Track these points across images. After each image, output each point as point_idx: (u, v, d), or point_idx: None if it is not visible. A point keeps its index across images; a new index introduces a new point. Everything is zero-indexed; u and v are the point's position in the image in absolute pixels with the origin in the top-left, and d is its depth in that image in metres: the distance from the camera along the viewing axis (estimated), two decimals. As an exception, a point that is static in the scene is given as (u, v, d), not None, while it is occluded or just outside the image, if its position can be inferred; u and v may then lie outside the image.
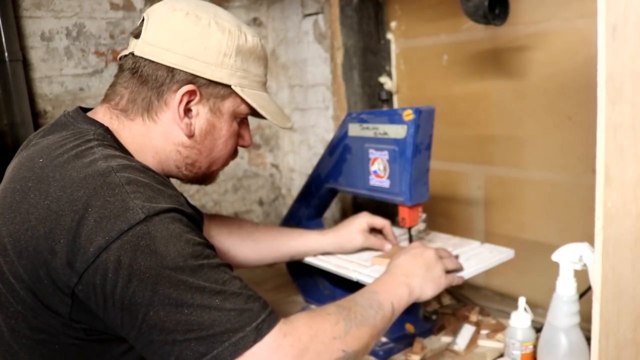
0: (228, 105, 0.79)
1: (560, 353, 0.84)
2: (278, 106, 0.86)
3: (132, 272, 0.59)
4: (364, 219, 1.10)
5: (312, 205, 1.24)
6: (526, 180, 1.20)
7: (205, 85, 0.75)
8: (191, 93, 0.75)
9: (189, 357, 0.59)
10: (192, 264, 0.61)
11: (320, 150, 1.61)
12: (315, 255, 1.11)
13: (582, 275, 0.82)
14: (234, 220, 1.11)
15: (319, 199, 1.23)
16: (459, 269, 0.98)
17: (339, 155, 1.15)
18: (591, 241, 0.65)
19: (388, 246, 1.10)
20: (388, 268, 0.90)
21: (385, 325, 0.77)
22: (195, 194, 1.60)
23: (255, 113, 0.82)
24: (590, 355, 0.64)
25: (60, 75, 1.30)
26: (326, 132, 1.61)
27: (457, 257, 1.00)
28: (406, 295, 0.83)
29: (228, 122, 0.80)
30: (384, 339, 1.04)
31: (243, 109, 0.80)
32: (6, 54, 1.16)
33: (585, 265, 0.82)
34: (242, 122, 0.85)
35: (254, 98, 0.79)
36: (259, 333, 0.61)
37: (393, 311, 0.79)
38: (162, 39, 0.73)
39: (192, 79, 0.74)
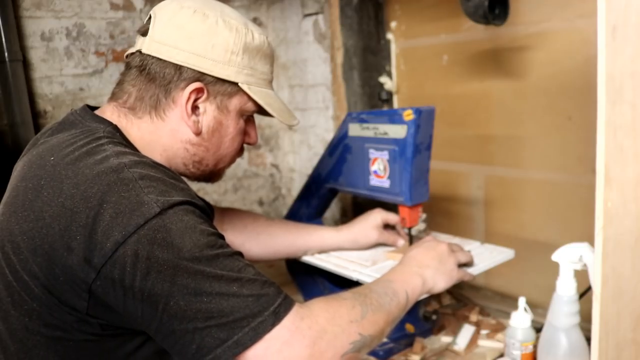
0: (235, 102, 0.79)
1: (560, 353, 0.84)
2: (284, 103, 0.86)
3: (150, 264, 0.59)
4: (379, 215, 1.10)
5: (312, 205, 1.25)
6: (526, 180, 1.20)
7: (213, 83, 0.76)
8: (199, 91, 0.75)
9: (211, 344, 0.60)
10: (208, 253, 0.62)
11: (320, 150, 1.61)
12: (330, 250, 1.12)
13: (582, 275, 0.83)
14: (248, 214, 1.12)
15: (319, 199, 1.23)
16: (471, 262, 0.98)
17: (339, 155, 1.15)
18: (591, 241, 0.65)
19: (401, 242, 1.11)
20: (402, 260, 0.91)
21: (400, 313, 0.79)
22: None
23: (261, 110, 0.82)
24: (590, 355, 0.64)
25: (60, 75, 1.30)
26: (326, 132, 1.61)
27: (469, 251, 1.01)
28: (420, 286, 0.84)
29: (235, 120, 0.80)
30: (384, 339, 1.04)
31: (250, 106, 0.81)
32: (6, 54, 1.16)
33: (585, 265, 0.82)
34: (249, 119, 0.85)
35: (261, 95, 0.80)
36: (277, 317, 0.62)
37: (407, 300, 0.80)
38: (170, 37, 0.74)
39: (200, 76, 0.75)
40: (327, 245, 1.11)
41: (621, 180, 0.62)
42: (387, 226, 1.13)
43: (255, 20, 1.67)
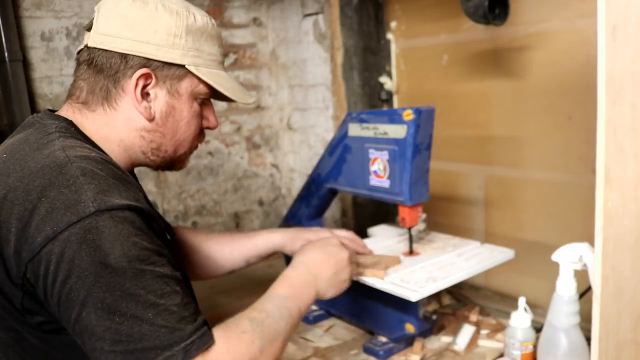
0: (185, 85, 0.79)
1: (560, 353, 0.84)
2: (238, 83, 0.86)
3: (73, 267, 0.59)
4: (320, 233, 1.06)
5: (312, 205, 1.25)
6: (526, 180, 1.20)
7: (160, 68, 0.76)
8: (146, 76, 0.75)
9: None
10: (135, 267, 0.60)
11: (320, 150, 1.61)
12: (267, 254, 1.07)
13: (582, 275, 0.83)
14: (188, 231, 1.09)
15: (319, 199, 1.23)
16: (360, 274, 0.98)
17: (339, 155, 1.15)
18: (591, 241, 0.65)
19: None
20: (298, 261, 0.87)
21: (294, 330, 0.78)
22: (195, 194, 1.60)
23: (216, 94, 0.82)
24: (590, 355, 0.64)
25: (60, 75, 1.30)
26: (326, 132, 1.61)
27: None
28: (312, 297, 0.83)
29: (188, 103, 0.80)
30: (384, 339, 1.04)
31: (201, 89, 0.80)
32: (6, 54, 1.16)
33: (585, 265, 0.82)
34: (205, 103, 0.84)
35: (210, 76, 0.79)
36: (187, 354, 0.60)
37: (300, 316, 0.79)
38: (112, 27, 0.74)
39: (146, 62, 0.75)
40: (263, 250, 1.07)
41: (621, 180, 0.62)
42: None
43: (255, 20, 1.67)
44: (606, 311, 0.63)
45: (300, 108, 1.69)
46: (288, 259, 1.21)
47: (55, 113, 0.78)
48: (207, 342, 0.63)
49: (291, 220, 1.28)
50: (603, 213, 0.60)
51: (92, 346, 0.60)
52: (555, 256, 0.85)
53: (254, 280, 1.43)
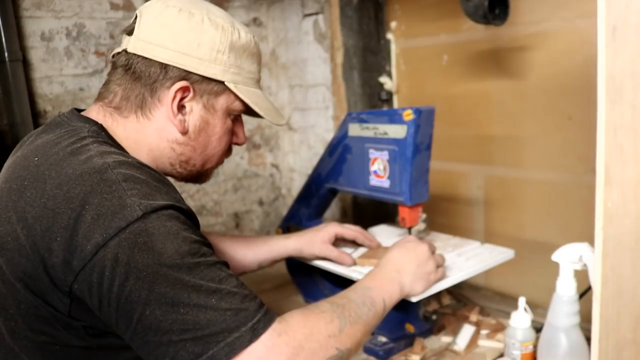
0: (222, 101, 0.78)
1: (560, 353, 0.84)
2: (271, 103, 0.86)
3: (130, 270, 0.58)
4: (332, 229, 1.07)
5: (312, 205, 1.25)
6: (526, 180, 1.20)
7: (199, 82, 0.75)
8: (185, 89, 0.74)
9: (184, 358, 0.59)
10: (189, 261, 0.61)
11: (320, 150, 1.61)
12: (281, 259, 1.09)
13: (582, 275, 0.83)
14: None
15: (319, 199, 1.23)
16: (443, 263, 0.97)
17: (339, 155, 1.15)
18: (591, 241, 0.65)
19: (348, 260, 1.05)
20: (381, 262, 0.89)
21: (377, 322, 0.78)
22: (195, 194, 1.60)
23: (249, 110, 0.81)
24: (590, 355, 0.64)
25: (60, 75, 1.30)
26: (326, 132, 1.61)
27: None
28: (397, 292, 0.84)
29: (222, 119, 0.79)
30: (384, 339, 1.04)
31: (237, 105, 0.80)
32: (6, 54, 1.16)
33: (585, 265, 0.82)
34: (236, 119, 0.84)
35: (248, 94, 0.78)
36: (255, 333, 0.61)
37: (384, 308, 0.80)
38: (155, 35, 0.73)
39: (186, 75, 0.74)
40: (277, 255, 1.07)
41: (621, 180, 0.62)
42: (345, 239, 1.10)
43: (255, 20, 1.67)
44: (606, 311, 0.63)
45: (300, 108, 1.69)
46: (288, 259, 1.21)
47: (83, 113, 0.76)
48: (272, 319, 0.63)
49: (291, 220, 1.28)
50: (603, 213, 0.60)
51: (159, 342, 0.59)
52: (555, 256, 0.85)
53: (253, 280, 1.43)
